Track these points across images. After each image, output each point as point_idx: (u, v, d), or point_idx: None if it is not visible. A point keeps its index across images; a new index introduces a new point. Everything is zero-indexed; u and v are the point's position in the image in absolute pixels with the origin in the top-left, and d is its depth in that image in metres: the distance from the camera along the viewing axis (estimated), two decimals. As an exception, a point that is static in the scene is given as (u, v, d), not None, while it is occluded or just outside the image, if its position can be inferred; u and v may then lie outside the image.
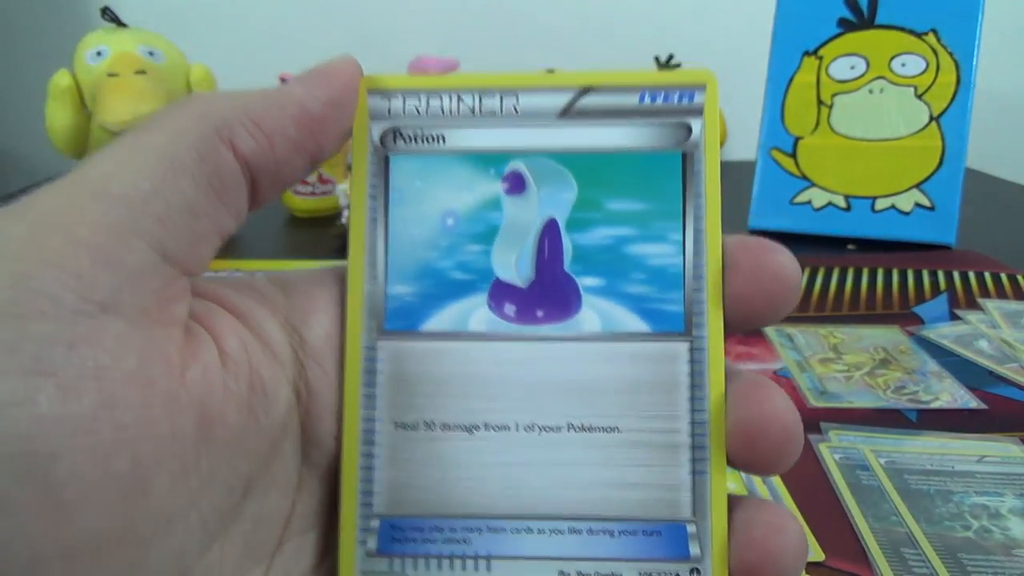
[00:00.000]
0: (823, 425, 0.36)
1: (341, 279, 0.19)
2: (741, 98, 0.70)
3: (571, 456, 0.18)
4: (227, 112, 0.16)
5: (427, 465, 0.18)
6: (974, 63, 0.59)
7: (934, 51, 0.60)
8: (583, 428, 0.18)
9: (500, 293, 0.18)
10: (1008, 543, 0.28)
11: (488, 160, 0.18)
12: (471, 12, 0.90)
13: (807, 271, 0.55)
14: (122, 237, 0.15)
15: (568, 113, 0.18)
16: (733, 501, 0.17)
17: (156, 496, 0.14)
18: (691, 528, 0.17)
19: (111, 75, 0.59)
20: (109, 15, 0.62)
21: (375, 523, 0.18)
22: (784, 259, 0.17)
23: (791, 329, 0.46)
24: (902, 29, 0.60)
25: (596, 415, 0.18)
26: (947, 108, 0.60)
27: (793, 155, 0.63)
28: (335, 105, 0.18)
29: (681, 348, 0.18)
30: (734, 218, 0.65)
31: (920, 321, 0.47)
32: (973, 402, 0.38)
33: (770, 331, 0.45)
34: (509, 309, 0.18)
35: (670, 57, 0.76)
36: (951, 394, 0.39)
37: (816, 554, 0.28)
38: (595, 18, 0.90)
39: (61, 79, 0.59)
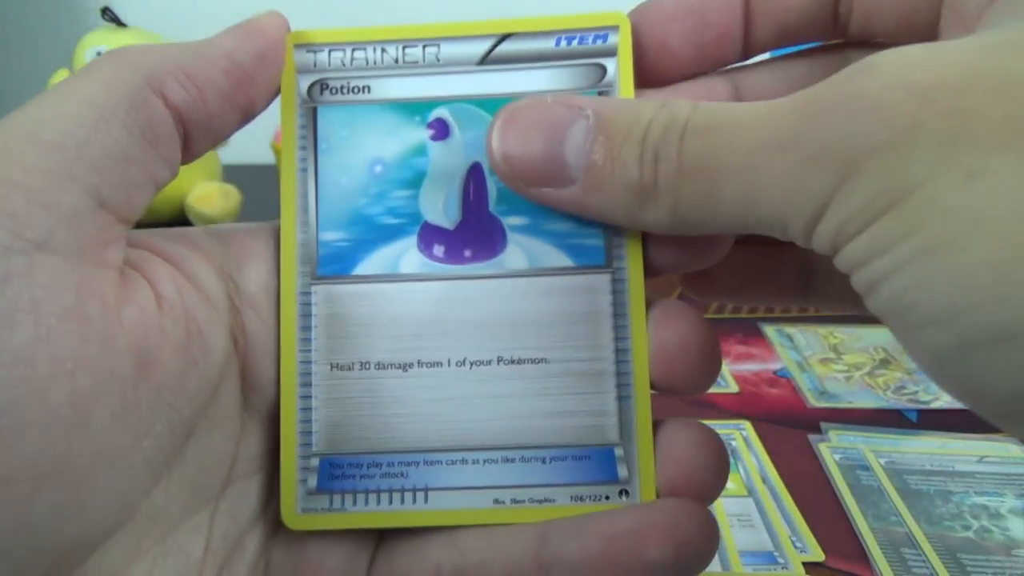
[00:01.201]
0: (823, 425, 0.36)
1: (276, 231, 0.19)
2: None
3: (502, 388, 0.18)
4: (158, 63, 0.17)
5: (363, 404, 0.18)
6: (974, 63, 0.59)
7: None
8: (513, 361, 0.18)
9: (429, 235, 0.19)
10: (1008, 543, 0.28)
11: (412, 108, 0.19)
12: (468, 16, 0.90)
13: (807, 271, 0.55)
14: (56, 181, 0.15)
15: (488, 60, 0.19)
16: (658, 424, 0.18)
17: (95, 431, 0.15)
18: (618, 451, 0.18)
19: (111, 75, 0.59)
20: (109, 15, 0.62)
21: (315, 462, 0.18)
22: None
23: (791, 329, 0.46)
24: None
25: (525, 348, 0.18)
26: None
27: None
28: (263, 58, 0.18)
29: (603, 280, 0.18)
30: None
31: (920, 321, 0.47)
32: (973, 402, 0.38)
33: (770, 331, 0.45)
34: (438, 250, 0.19)
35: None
36: (951, 394, 0.39)
37: (816, 554, 0.28)
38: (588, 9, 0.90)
39: (61, 79, 0.59)
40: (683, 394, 0.18)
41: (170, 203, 0.57)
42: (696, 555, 0.16)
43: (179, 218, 0.58)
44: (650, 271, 0.18)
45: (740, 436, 0.35)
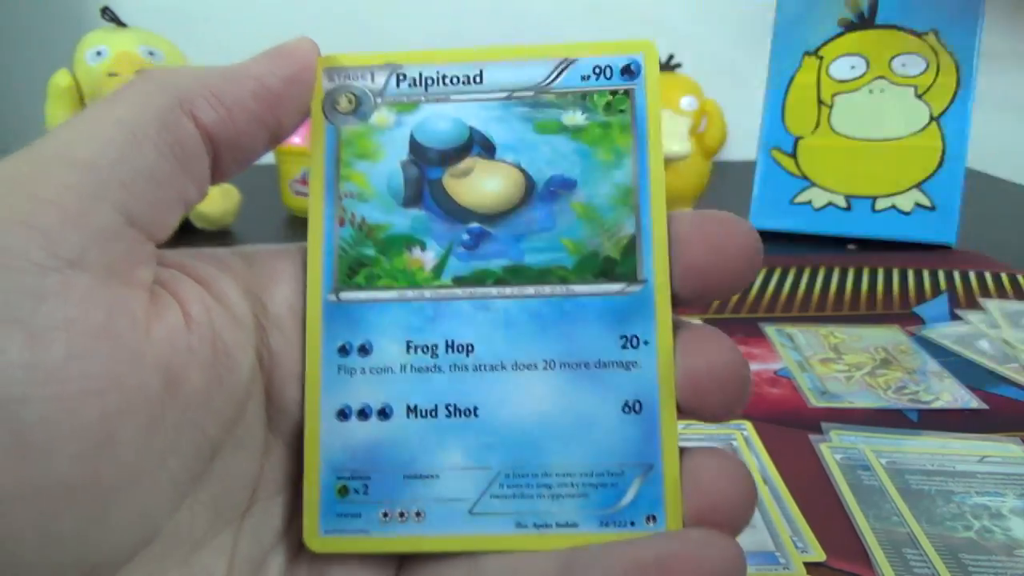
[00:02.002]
0: (824, 425, 0.36)
1: (304, 252, 0.19)
2: (741, 98, 0.70)
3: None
4: (188, 85, 0.17)
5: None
6: (974, 63, 0.59)
7: (934, 51, 0.60)
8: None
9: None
10: (1010, 543, 0.28)
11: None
12: (469, 18, 0.90)
13: (807, 271, 0.55)
14: (88, 200, 0.15)
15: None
16: (684, 451, 0.18)
17: (122, 448, 0.15)
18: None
19: (111, 75, 0.59)
20: (109, 15, 0.62)
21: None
22: (743, 229, 0.18)
23: (791, 329, 0.46)
24: (902, 29, 0.60)
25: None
26: (947, 108, 0.60)
27: (793, 155, 0.63)
28: (292, 81, 0.18)
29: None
30: (734, 218, 0.65)
31: (921, 321, 0.47)
32: (974, 402, 0.38)
33: (770, 331, 0.45)
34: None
35: (670, 57, 0.76)
36: (952, 394, 0.39)
37: (817, 554, 0.28)
38: (594, 18, 0.90)
39: (61, 79, 0.59)
40: (711, 420, 0.18)
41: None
42: None
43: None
44: (676, 298, 0.18)
45: (741, 436, 0.35)
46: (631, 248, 0.18)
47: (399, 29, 0.90)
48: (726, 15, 0.91)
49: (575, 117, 0.19)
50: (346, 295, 0.19)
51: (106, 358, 0.15)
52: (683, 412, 0.18)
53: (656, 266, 0.18)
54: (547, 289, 0.18)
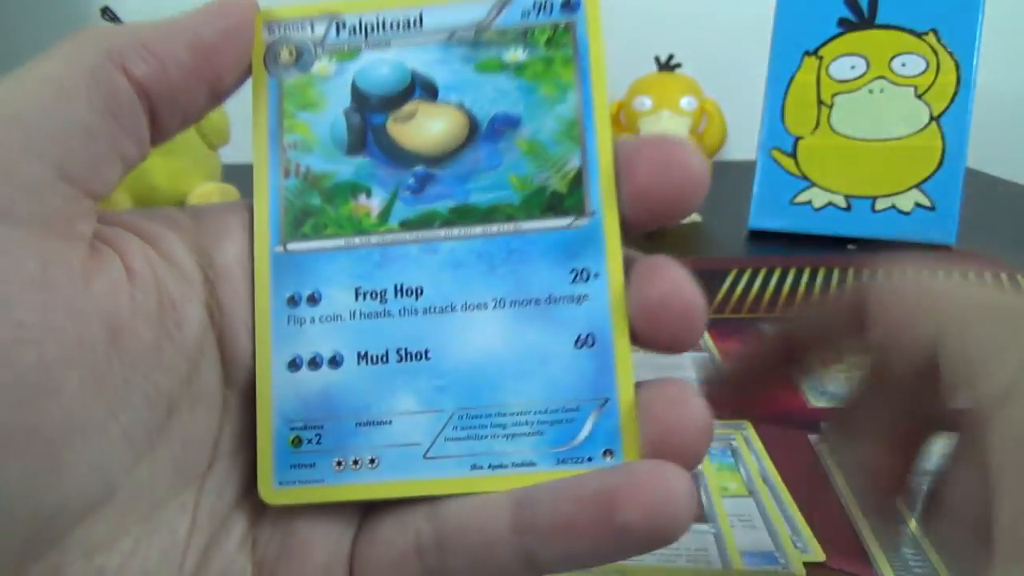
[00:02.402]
0: (824, 425, 0.36)
1: (252, 207, 0.19)
2: (741, 98, 0.70)
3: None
4: (119, 39, 0.17)
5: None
6: (974, 63, 0.59)
7: (934, 51, 0.60)
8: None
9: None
10: (1009, 543, 0.28)
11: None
12: None
13: (807, 271, 0.55)
14: (14, 153, 0.15)
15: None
16: (640, 385, 0.18)
17: (66, 399, 0.15)
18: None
19: (111, 75, 0.59)
20: (109, 15, 0.62)
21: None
22: (685, 149, 0.18)
23: (791, 329, 0.46)
24: (902, 29, 0.60)
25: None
26: (947, 108, 0.60)
27: (793, 155, 0.63)
28: (229, 33, 0.18)
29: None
30: (734, 218, 0.65)
31: (920, 321, 0.47)
32: (974, 402, 0.38)
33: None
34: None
35: (670, 57, 0.76)
36: (952, 394, 0.39)
37: (817, 554, 0.28)
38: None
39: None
40: (667, 351, 0.18)
41: (171, 202, 0.57)
42: (669, 519, 0.16)
43: (179, 218, 0.58)
44: (625, 227, 0.18)
45: (740, 436, 0.35)
46: (578, 181, 0.18)
47: None
48: (726, 15, 0.91)
49: (516, 54, 0.19)
50: (293, 245, 0.19)
51: (40, 307, 0.15)
52: (639, 343, 0.18)
53: (604, 198, 0.18)
54: (494, 228, 0.18)
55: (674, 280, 0.17)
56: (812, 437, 0.35)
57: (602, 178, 0.18)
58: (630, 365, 0.18)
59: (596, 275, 0.18)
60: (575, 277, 0.18)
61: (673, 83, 0.73)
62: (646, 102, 0.71)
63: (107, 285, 0.16)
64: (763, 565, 0.28)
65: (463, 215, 0.19)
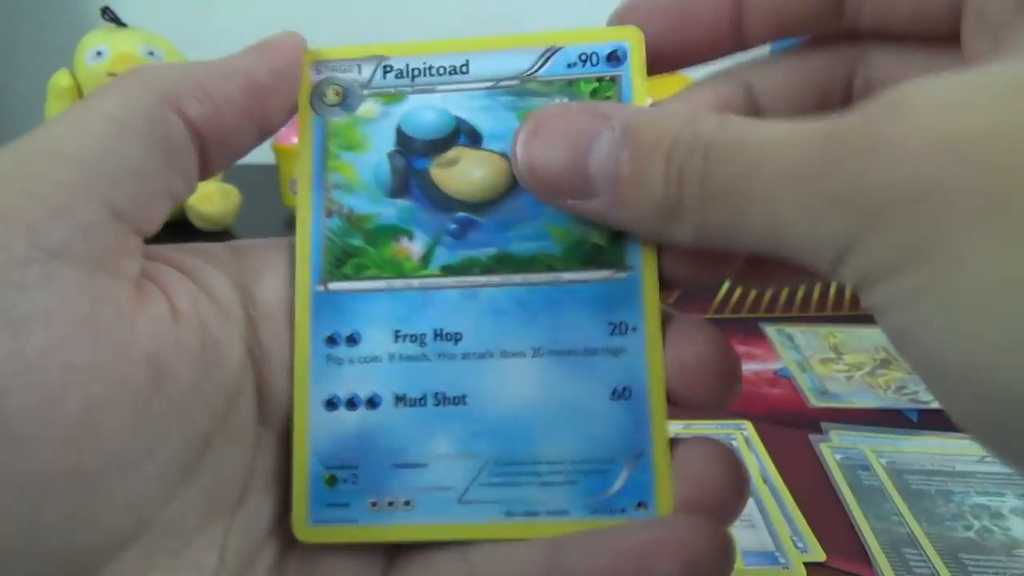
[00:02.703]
0: (824, 425, 0.36)
1: (294, 245, 0.19)
2: (741, 98, 0.70)
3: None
4: (175, 80, 0.17)
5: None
6: (974, 63, 0.59)
7: (934, 51, 0.60)
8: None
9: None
10: (1009, 543, 0.28)
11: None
12: (454, 8, 0.90)
13: (807, 271, 0.55)
14: (74, 193, 0.15)
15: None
16: (677, 440, 0.18)
17: (108, 438, 0.15)
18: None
19: (111, 75, 0.59)
20: (109, 15, 0.62)
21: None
22: None
23: (791, 329, 0.46)
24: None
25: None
26: (947, 108, 0.60)
27: (793, 155, 0.63)
28: (279, 75, 0.18)
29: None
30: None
31: (920, 321, 0.47)
32: (974, 402, 0.38)
33: (770, 331, 0.45)
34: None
35: (670, 57, 0.76)
36: (952, 394, 0.39)
37: (817, 554, 0.28)
38: (595, 18, 0.90)
39: (61, 79, 0.59)
40: (701, 409, 0.18)
41: (170, 203, 0.57)
42: (707, 574, 0.16)
43: (180, 218, 0.58)
44: (664, 283, 0.18)
45: (741, 436, 0.35)
46: (617, 235, 0.18)
47: (401, 33, 0.90)
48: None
49: None
50: (334, 285, 0.19)
51: (89, 348, 0.15)
52: (674, 403, 0.18)
53: (643, 253, 0.18)
54: (534, 277, 0.18)
55: (709, 341, 0.18)
56: (812, 437, 0.35)
57: (642, 241, 0.18)
58: (665, 419, 0.18)
59: (634, 329, 0.18)
60: (613, 330, 0.18)
61: (673, 83, 0.73)
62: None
63: (152, 325, 0.16)
64: (763, 565, 0.28)
65: (503, 263, 0.19)
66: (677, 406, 0.18)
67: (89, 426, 0.15)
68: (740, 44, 0.19)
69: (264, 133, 0.19)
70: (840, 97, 0.19)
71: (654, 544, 0.16)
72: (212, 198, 0.58)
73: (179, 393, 0.16)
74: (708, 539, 0.16)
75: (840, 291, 0.51)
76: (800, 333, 0.45)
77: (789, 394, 0.39)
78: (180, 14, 0.86)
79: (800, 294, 0.51)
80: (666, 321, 0.18)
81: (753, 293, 0.51)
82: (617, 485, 0.18)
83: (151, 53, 0.61)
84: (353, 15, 0.90)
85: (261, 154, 0.64)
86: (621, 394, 0.18)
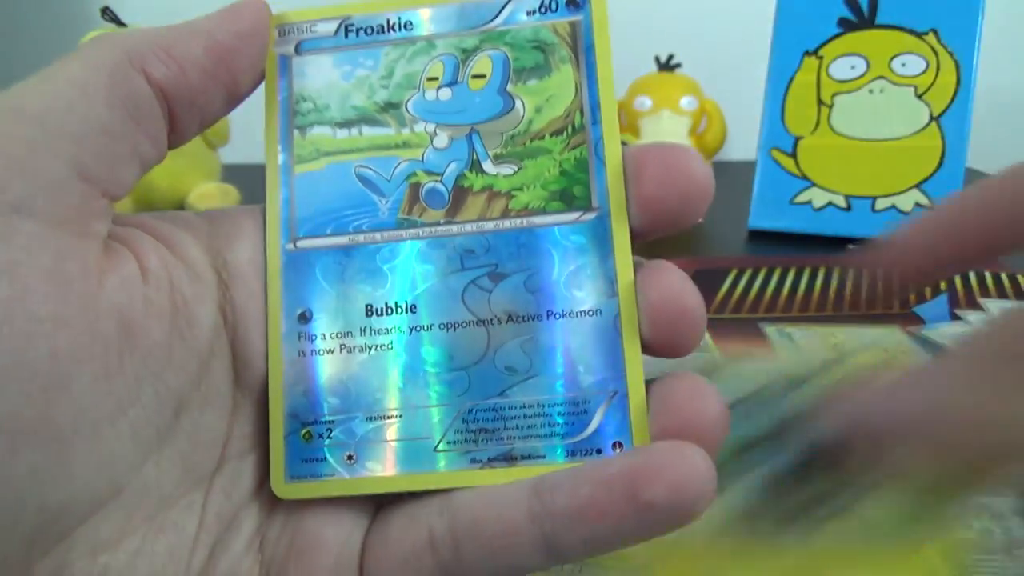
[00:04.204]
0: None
1: (264, 211, 0.19)
2: (741, 98, 0.70)
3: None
4: (138, 42, 0.17)
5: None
6: (974, 63, 0.59)
7: (934, 51, 0.60)
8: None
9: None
10: (1009, 543, 0.28)
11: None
12: None
13: (807, 271, 0.55)
14: (35, 150, 0.15)
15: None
16: (654, 379, 0.18)
17: (78, 392, 0.15)
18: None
19: (111, 75, 0.59)
20: (109, 15, 0.62)
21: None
22: (692, 158, 0.18)
23: (791, 329, 0.46)
24: (902, 29, 0.60)
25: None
26: (947, 108, 0.60)
27: (793, 155, 0.63)
28: (244, 36, 0.18)
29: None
30: (734, 218, 0.65)
31: (921, 321, 0.47)
32: (974, 402, 0.38)
33: (770, 331, 0.45)
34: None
35: (670, 57, 0.76)
36: (952, 394, 0.39)
37: (817, 554, 0.28)
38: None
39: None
40: (669, 355, 0.18)
41: (171, 203, 0.57)
42: (693, 496, 0.16)
43: (179, 218, 0.58)
44: (633, 232, 0.18)
45: (741, 436, 0.35)
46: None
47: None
48: (726, 15, 0.91)
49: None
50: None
51: (54, 300, 0.15)
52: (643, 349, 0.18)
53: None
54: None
55: (673, 284, 0.18)
56: (812, 437, 0.35)
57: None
58: (639, 358, 0.18)
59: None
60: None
61: (673, 83, 0.73)
62: (646, 102, 0.71)
63: (120, 283, 0.16)
64: (763, 565, 0.28)
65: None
66: (647, 353, 0.18)
67: (57, 378, 0.15)
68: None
69: (232, 97, 0.19)
70: None
71: (636, 469, 0.16)
72: (212, 198, 0.58)
73: (150, 352, 0.16)
74: (692, 461, 0.16)
75: (840, 291, 0.51)
76: (800, 333, 0.45)
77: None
78: (180, 14, 0.86)
79: (800, 294, 0.51)
80: (635, 268, 0.18)
81: (753, 293, 0.51)
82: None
83: (151, 53, 0.61)
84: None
85: (261, 154, 0.64)
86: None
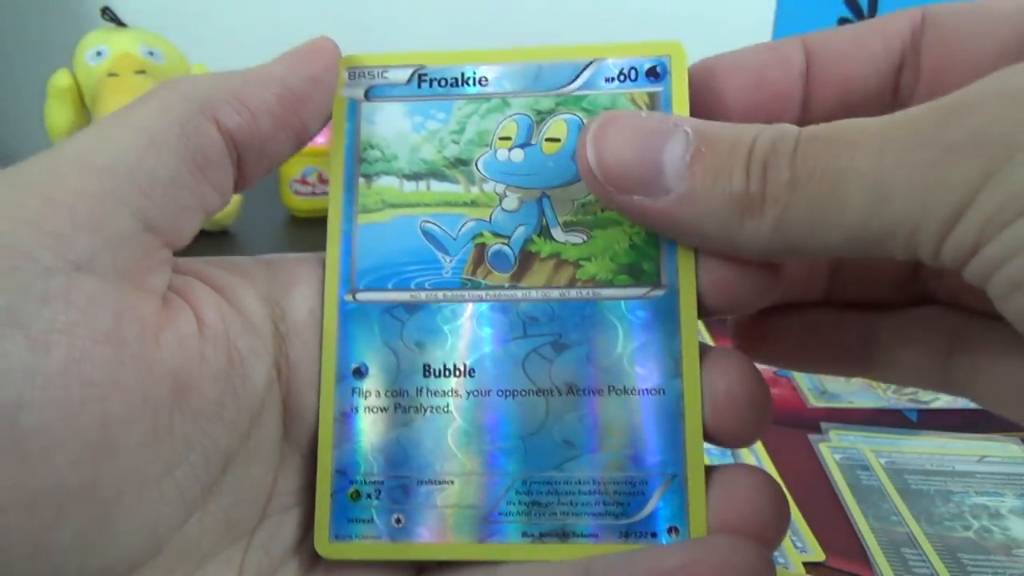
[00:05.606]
0: (823, 425, 0.36)
1: (323, 260, 0.19)
2: (741, 98, 0.70)
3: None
4: (210, 90, 0.17)
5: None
6: (974, 63, 0.59)
7: (934, 51, 0.60)
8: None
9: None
10: (1008, 543, 0.28)
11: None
12: (470, 20, 0.90)
13: (807, 271, 0.55)
14: (103, 203, 0.15)
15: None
16: (714, 467, 0.17)
17: (125, 456, 0.14)
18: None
19: (111, 75, 0.59)
20: (109, 15, 0.62)
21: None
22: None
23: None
24: (902, 29, 0.60)
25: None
26: (947, 108, 0.60)
27: (793, 155, 0.63)
28: (315, 82, 0.18)
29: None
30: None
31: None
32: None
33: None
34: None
35: (670, 57, 0.76)
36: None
37: (816, 554, 0.28)
38: (595, 19, 0.90)
39: (61, 79, 0.59)
40: (731, 445, 0.18)
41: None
42: None
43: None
44: (701, 310, 0.18)
45: (740, 436, 0.35)
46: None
47: (402, 32, 0.90)
48: (726, 15, 0.91)
49: None
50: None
51: (109, 364, 0.14)
52: (704, 436, 0.17)
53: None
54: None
55: (743, 373, 0.17)
56: (812, 437, 0.35)
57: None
58: (700, 442, 0.17)
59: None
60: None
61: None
62: (646, 102, 0.71)
63: (177, 341, 0.16)
64: (762, 565, 0.28)
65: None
66: (707, 440, 0.17)
67: (106, 444, 0.14)
68: (806, 118, 0.18)
69: (300, 142, 0.18)
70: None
71: (693, 565, 0.16)
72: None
73: (202, 411, 0.16)
74: (750, 558, 0.16)
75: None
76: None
77: (788, 394, 0.39)
78: (180, 14, 0.86)
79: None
80: (702, 351, 0.18)
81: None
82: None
83: (151, 53, 0.61)
84: (353, 15, 0.90)
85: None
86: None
